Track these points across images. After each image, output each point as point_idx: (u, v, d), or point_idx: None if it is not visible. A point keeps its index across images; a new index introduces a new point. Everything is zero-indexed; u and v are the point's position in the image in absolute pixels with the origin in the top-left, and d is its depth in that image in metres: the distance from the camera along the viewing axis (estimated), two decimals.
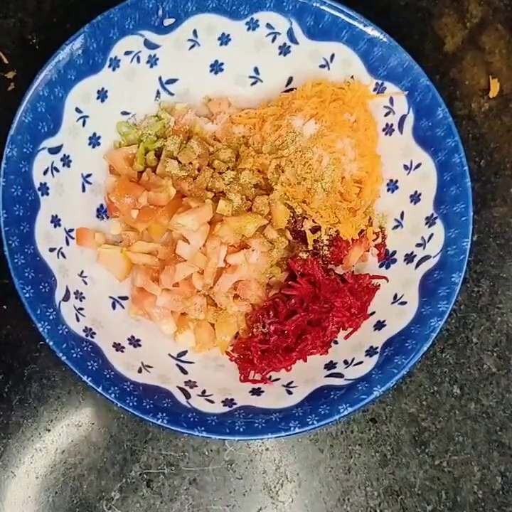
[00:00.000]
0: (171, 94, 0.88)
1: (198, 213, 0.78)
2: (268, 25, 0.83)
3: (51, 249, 0.76)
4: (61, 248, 0.78)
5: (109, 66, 0.80)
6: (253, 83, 0.89)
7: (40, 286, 0.72)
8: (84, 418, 0.83)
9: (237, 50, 0.85)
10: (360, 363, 0.76)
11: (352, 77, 0.85)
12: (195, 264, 0.79)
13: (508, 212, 0.94)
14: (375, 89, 0.84)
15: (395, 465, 0.85)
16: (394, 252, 0.84)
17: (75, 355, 0.71)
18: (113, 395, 0.70)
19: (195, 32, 0.83)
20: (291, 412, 0.72)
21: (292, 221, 0.84)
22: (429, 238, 0.80)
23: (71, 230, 0.80)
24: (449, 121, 0.79)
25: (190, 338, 0.81)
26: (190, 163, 0.84)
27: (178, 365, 0.80)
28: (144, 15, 0.79)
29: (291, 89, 0.88)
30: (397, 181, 0.85)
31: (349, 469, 0.84)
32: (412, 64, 0.80)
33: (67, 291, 0.76)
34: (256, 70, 0.88)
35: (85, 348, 0.73)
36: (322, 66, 0.86)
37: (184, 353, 0.81)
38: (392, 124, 0.84)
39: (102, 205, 0.85)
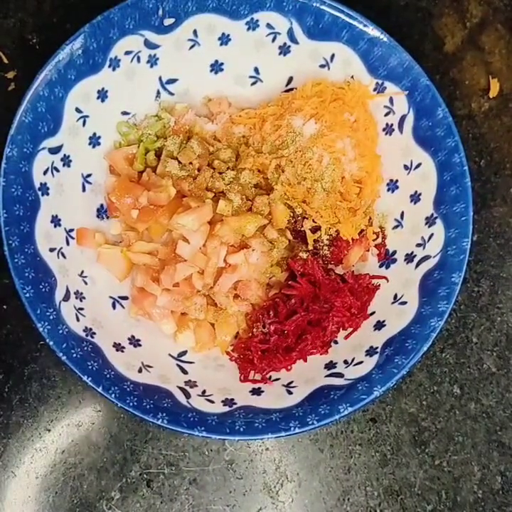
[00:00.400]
0: (171, 94, 0.88)
1: (198, 213, 0.78)
2: (268, 25, 0.83)
3: (51, 249, 0.76)
4: (61, 248, 0.78)
5: (109, 66, 0.80)
6: (253, 83, 0.89)
7: (40, 286, 0.72)
8: (84, 418, 0.83)
9: (237, 50, 0.85)
10: (360, 362, 0.76)
11: (352, 77, 0.85)
12: (195, 264, 0.79)
13: (508, 212, 0.94)
14: (375, 89, 0.84)
15: (395, 465, 0.85)
16: (394, 252, 0.84)
17: (75, 355, 0.71)
18: (113, 395, 0.70)
19: (195, 32, 0.83)
20: (291, 412, 0.72)
21: (292, 221, 0.84)
22: (429, 238, 0.80)
23: (71, 230, 0.80)
24: (449, 121, 0.79)
25: (190, 338, 0.81)
26: (190, 163, 0.84)
27: (178, 365, 0.80)
28: (144, 15, 0.79)
29: (291, 89, 0.88)
30: (397, 181, 0.85)
31: (349, 469, 0.84)
32: (412, 64, 0.80)
33: (68, 291, 0.76)
34: (256, 70, 0.88)
35: (85, 348, 0.73)
36: (322, 66, 0.86)
37: (184, 353, 0.81)
38: (392, 124, 0.84)
39: (102, 205, 0.85)
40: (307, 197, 0.83)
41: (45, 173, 0.77)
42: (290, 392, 0.76)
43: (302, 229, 0.83)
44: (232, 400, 0.75)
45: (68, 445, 0.82)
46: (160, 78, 0.86)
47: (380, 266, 0.85)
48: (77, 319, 0.75)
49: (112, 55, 0.80)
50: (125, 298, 0.83)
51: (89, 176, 0.83)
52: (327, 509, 0.83)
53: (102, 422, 0.83)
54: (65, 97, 0.77)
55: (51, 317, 0.72)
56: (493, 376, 0.88)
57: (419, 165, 0.82)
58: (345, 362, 0.77)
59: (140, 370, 0.75)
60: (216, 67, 0.87)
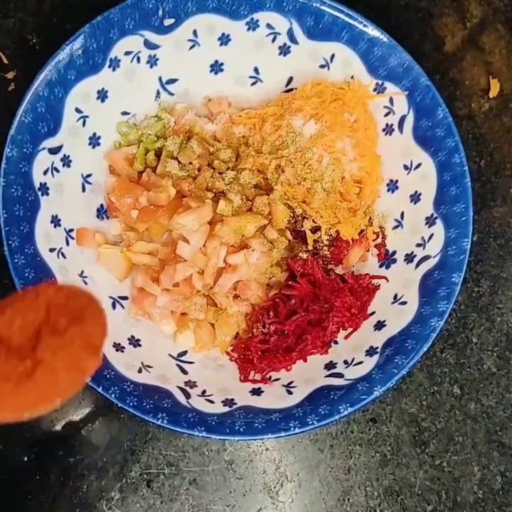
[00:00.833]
0: (171, 94, 0.88)
1: (198, 213, 0.78)
2: (268, 26, 0.83)
3: (51, 249, 0.76)
4: (61, 248, 0.78)
5: (109, 66, 0.80)
6: (253, 83, 0.89)
7: None
8: (84, 418, 0.83)
9: (237, 50, 0.85)
10: (360, 363, 0.76)
11: (352, 77, 0.85)
12: (195, 264, 0.79)
13: (508, 212, 0.94)
14: (375, 89, 0.84)
15: (395, 465, 0.85)
16: (394, 252, 0.84)
17: None
18: (113, 395, 0.70)
19: (195, 32, 0.83)
20: (291, 412, 0.72)
21: (292, 221, 0.83)
22: (429, 238, 0.80)
23: (71, 230, 0.80)
24: (449, 121, 0.79)
25: (190, 338, 0.81)
26: (190, 163, 0.84)
27: (178, 365, 0.80)
28: (144, 15, 0.79)
29: (291, 89, 0.88)
30: (397, 181, 0.85)
31: (349, 469, 0.84)
32: (412, 64, 0.80)
33: None
34: (256, 70, 0.88)
35: None
36: (322, 66, 0.86)
37: (184, 353, 0.81)
38: (392, 124, 0.84)
39: (102, 205, 0.85)
40: (307, 197, 0.83)
41: (45, 173, 0.77)
42: (290, 393, 0.76)
43: (302, 229, 0.83)
44: (232, 400, 0.75)
45: (68, 445, 0.82)
46: (160, 78, 0.86)
47: (380, 266, 0.85)
48: None
49: (112, 56, 0.80)
50: (125, 298, 0.83)
51: (89, 176, 0.83)
52: (327, 509, 0.83)
53: (102, 422, 0.83)
54: (65, 97, 0.77)
55: None
56: (494, 376, 0.88)
57: (419, 165, 0.82)
58: (345, 362, 0.77)
59: (140, 370, 0.75)
60: (216, 67, 0.87)
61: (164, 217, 0.80)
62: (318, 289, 0.81)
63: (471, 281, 0.91)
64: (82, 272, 0.80)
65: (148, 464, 0.83)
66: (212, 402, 0.74)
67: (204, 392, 0.75)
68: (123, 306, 0.82)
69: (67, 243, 0.79)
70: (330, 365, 0.78)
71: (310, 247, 0.83)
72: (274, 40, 0.85)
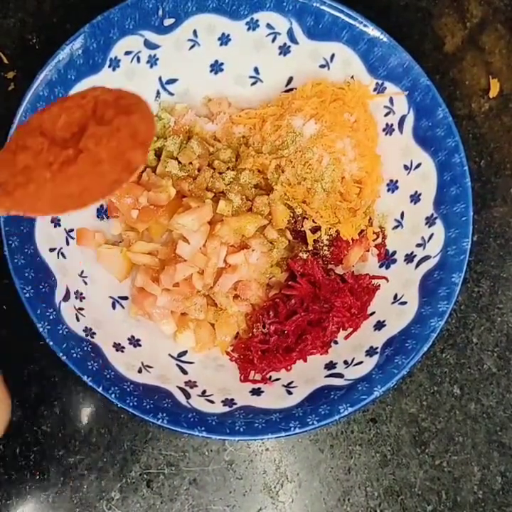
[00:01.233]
0: (171, 94, 0.88)
1: (198, 213, 0.78)
2: (268, 25, 0.83)
3: (51, 249, 0.76)
4: (61, 248, 0.78)
5: (109, 66, 0.80)
6: (253, 83, 0.89)
7: (40, 286, 0.72)
8: (85, 418, 0.83)
9: (237, 50, 0.85)
10: (360, 363, 0.76)
11: (352, 77, 0.85)
12: (195, 264, 0.79)
13: (508, 212, 0.94)
14: (375, 89, 0.84)
15: (395, 465, 0.85)
16: (394, 252, 0.84)
17: (75, 355, 0.71)
18: (113, 395, 0.70)
19: (195, 32, 0.83)
20: (291, 412, 0.72)
21: (292, 221, 0.84)
22: (429, 238, 0.80)
23: (71, 230, 0.80)
24: (449, 121, 0.79)
25: (190, 338, 0.81)
26: (190, 163, 0.84)
27: (178, 365, 0.80)
28: (144, 15, 0.79)
29: (291, 89, 0.88)
30: (397, 181, 0.85)
31: (349, 469, 0.84)
32: (412, 64, 0.80)
33: (67, 291, 0.76)
34: (256, 70, 0.88)
35: (85, 348, 0.73)
36: (322, 66, 0.86)
37: (184, 353, 0.81)
38: (392, 124, 0.84)
39: (102, 205, 0.85)
40: (307, 197, 0.83)
41: None
42: (290, 393, 0.76)
43: (302, 229, 0.83)
44: (232, 400, 0.75)
45: (68, 445, 0.82)
46: (160, 78, 0.86)
47: (380, 266, 0.85)
48: (77, 319, 0.75)
49: (112, 55, 0.80)
50: (125, 298, 0.83)
51: None
52: (327, 509, 0.83)
53: (102, 422, 0.83)
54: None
55: (51, 317, 0.72)
56: (494, 376, 0.88)
57: (419, 165, 0.82)
58: (345, 362, 0.77)
59: (140, 370, 0.75)
60: (216, 67, 0.87)
61: (164, 217, 0.80)
62: (318, 289, 0.81)
63: (471, 281, 0.91)
64: (82, 271, 0.80)
65: (148, 464, 0.83)
66: (212, 402, 0.74)
67: (204, 392, 0.75)
68: (123, 306, 0.82)
69: (67, 243, 0.79)
70: (330, 365, 0.78)
71: (310, 247, 0.83)
72: (274, 40, 0.85)
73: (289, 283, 0.81)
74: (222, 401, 0.74)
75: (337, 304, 0.79)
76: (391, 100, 0.83)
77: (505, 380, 0.88)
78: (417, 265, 0.80)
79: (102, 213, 0.85)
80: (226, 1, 0.81)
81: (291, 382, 0.77)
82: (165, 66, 0.85)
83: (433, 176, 0.80)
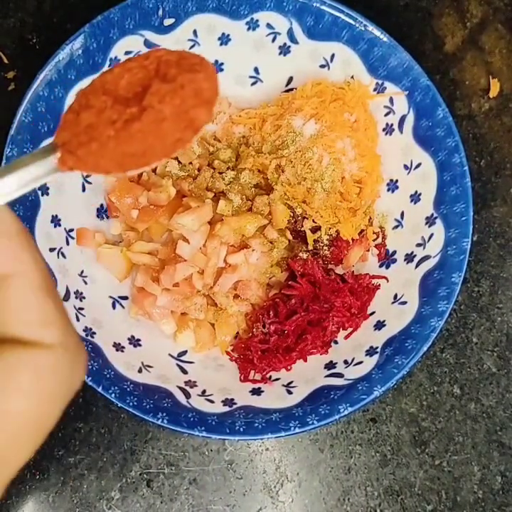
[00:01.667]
0: None
1: (198, 213, 0.78)
2: (268, 25, 0.83)
3: (51, 249, 0.76)
4: (61, 248, 0.78)
5: (109, 66, 0.80)
6: (253, 83, 0.89)
7: None
8: (84, 418, 0.83)
9: (237, 50, 0.85)
10: (360, 362, 0.76)
11: (352, 77, 0.85)
12: (195, 264, 0.79)
13: (508, 212, 0.94)
14: (375, 89, 0.84)
15: (395, 465, 0.85)
16: (394, 252, 0.84)
17: None
18: (113, 395, 0.70)
19: (195, 32, 0.83)
20: (291, 412, 0.72)
21: (292, 221, 0.84)
22: (429, 238, 0.80)
23: (71, 230, 0.80)
24: (449, 121, 0.79)
25: (190, 338, 0.81)
26: (190, 163, 0.84)
27: (178, 364, 0.80)
28: (144, 15, 0.79)
29: (291, 89, 0.88)
30: (397, 181, 0.85)
31: (349, 469, 0.84)
32: (412, 64, 0.80)
33: (68, 291, 0.76)
34: (256, 70, 0.88)
35: (86, 348, 0.72)
36: (322, 66, 0.86)
37: (184, 352, 0.81)
38: (392, 124, 0.84)
39: (102, 205, 0.85)
40: (307, 197, 0.83)
41: None
42: (290, 392, 0.76)
43: (302, 229, 0.83)
44: (232, 400, 0.75)
45: (68, 445, 0.82)
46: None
47: (380, 266, 0.85)
48: (77, 319, 0.75)
49: (112, 55, 0.80)
50: (125, 298, 0.83)
51: (89, 175, 0.83)
52: (327, 509, 0.83)
53: (102, 422, 0.83)
54: (65, 97, 0.77)
55: None
56: (494, 376, 0.88)
57: (419, 165, 0.82)
58: (345, 362, 0.77)
59: (140, 370, 0.75)
60: (216, 67, 0.87)
61: (164, 217, 0.80)
62: (318, 289, 0.81)
63: (471, 281, 0.91)
64: (82, 271, 0.80)
65: (148, 464, 0.83)
66: (212, 401, 0.74)
67: (204, 391, 0.75)
68: (123, 306, 0.82)
69: (67, 243, 0.79)
70: (330, 365, 0.78)
71: (310, 247, 0.83)
72: (274, 40, 0.85)
73: (289, 283, 0.81)
74: (222, 401, 0.74)
75: (337, 304, 0.79)
76: (391, 100, 0.83)
77: (505, 379, 0.88)
78: (417, 265, 0.80)
79: (102, 213, 0.85)
80: (226, 0, 0.81)
81: (291, 382, 0.77)
82: None
83: (433, 176, 0.80)
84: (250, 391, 0.77)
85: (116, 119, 0.39)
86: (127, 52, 0.81)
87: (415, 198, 0.82)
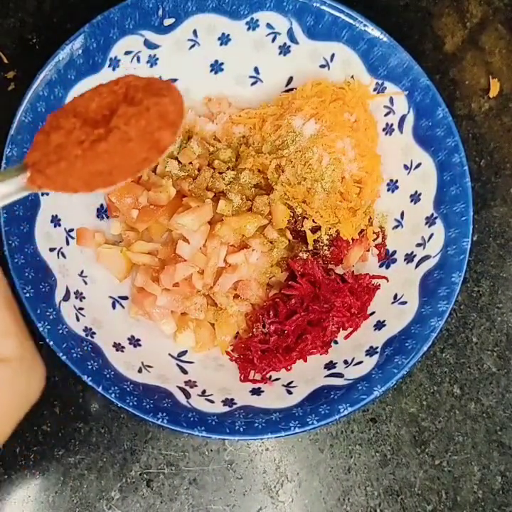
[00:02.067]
0: None
1: (198, 213, 0.78)
2: (268, 25, 0.83)
3: (51, 249, 0.76)
4: (61, 248, 0.78)
5: (109, 66, 0.80)
6: (253, 83, 0.89)
7: (40, 286, 0.72)
8: (84, 418, 0.83)
9: (237, 50, 0.85)
10: (360, 362, 0.76)
11: (352, 77, 0.85)
12: (195, 264, 0.79)
13: (508, 212, 0.94)
14: (375, 89, 0.84)
15: (395, 465, 0.85)
16: (394, 252, 0.84)
17: (75, 355, 0.71)
18: (113, 395, 0.70)
19: (195, 32, 0.83)
20: (291, 412, 0.72)
21: (292, 221, 0.84)
22: (429, 238, 0.80)
23: (71, 230, 0.80)
24: (449, 121, 0.79)
25: (190, 338, 0.81)
26: (190, 163, 0.84)
27: (178, 364, 0.80)
28: (144, 15, 0.79)
29: (291, 89, 0.88)
30: (397, 181, 0.85)
31: (349, 469, 0.84)
32: (412, 64, 0.80)
33: (67, 291, 0.76)
34: (256, 70, 0.88)
35: (85, 348, 0.73)
36: (322, 66, 0.86)
37: (184, 352, 0.81)
38: (392, 124, 0.84)
39: (102, 205, 0.85)
40: (307, 197, 0.83)
41: None
42: (290, 392, 0.76)
43: (302, 229, 0.83)
44: (232, 399, 0.75)
45: (68, 445, 0.82)
46: (160, 78, 0.86)
47: (380, 266, 0.85)
48: (77, 319, 0.75)
49: (112, 55, 0.80)
50: (125, 298, 0.83)
51: None
52: (327, 509, 0.83)
53: (101, 421, 0.83)
54: (65, 97, 0.77)
55: (51, 317, 0.72)
56: (494, 376, 0.88)
57: (419, 165, 0.82)
58: (345, 362, 0.77)
59: (140, 370, 0.75)
60: (216, 67, 0.87)
61: (164, 217, 0.80)
62: (318, 288, 0.81)
63: (471, 281, 0.91)
64: (82, 271, 0.80)
65: (148, 464, 0.83)
66: (212, 401, 0.74)
67: (204, 391, 0.75)
68: (123, 306, 0.82)
69: (67, 243, 0.79)
70: (330, 365, 0.78)
71: (310, 247, 0.83)
72: (274, 39, 0.85)
73: (289, 283, 0.81)
74: (222, 401, 0.74)
75: (337, 304, 0.79)
76: (391, 100, 0.83)
77: (505, 379, 0.88)
78: (417, 265, 0.80)
79: (102, 213, 0.85)
80: (226, 0, 0.81)
81: (291, 382, 0.77)
82: (165, 66, 0.85)
83: (433, 176, 0.80)
84: (250, 391, 0.77)
85: (84, 139, 0.42)
86: (127, 52, 0.81)
87: (415, 197, 0.82)
